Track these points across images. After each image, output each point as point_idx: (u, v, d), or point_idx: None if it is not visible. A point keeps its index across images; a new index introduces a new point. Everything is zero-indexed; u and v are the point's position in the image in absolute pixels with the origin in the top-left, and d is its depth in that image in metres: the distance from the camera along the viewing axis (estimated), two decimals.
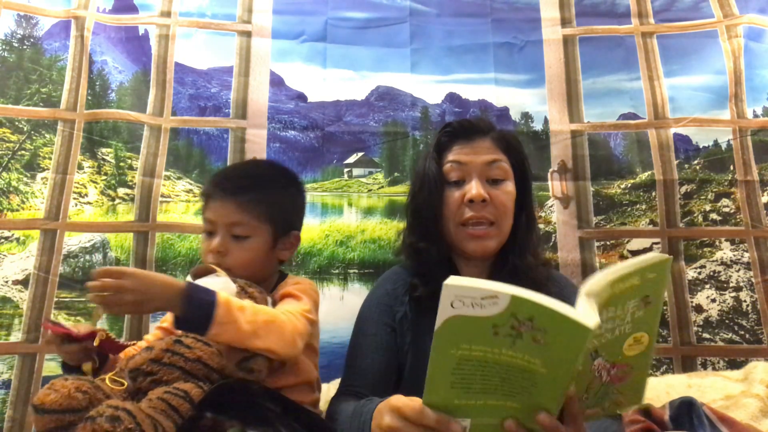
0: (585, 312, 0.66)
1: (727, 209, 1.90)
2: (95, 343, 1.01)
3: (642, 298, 0.73)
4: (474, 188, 1.14)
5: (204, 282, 0.99)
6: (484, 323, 0.65)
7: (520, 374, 0.68)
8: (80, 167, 1.86)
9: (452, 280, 0.65)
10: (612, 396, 0.78)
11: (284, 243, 1.19)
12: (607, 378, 0.75)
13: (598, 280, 0.69)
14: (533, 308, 0.64)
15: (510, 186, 1.19)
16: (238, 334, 0.92)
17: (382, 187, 2.01)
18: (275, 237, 1.17)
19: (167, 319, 1.21)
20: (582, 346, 0.65)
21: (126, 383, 0.94)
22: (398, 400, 0.76)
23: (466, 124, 1.24)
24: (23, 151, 1.84)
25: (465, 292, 0.64)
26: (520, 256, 1.18)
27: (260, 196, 1.15)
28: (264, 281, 1.16)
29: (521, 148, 1.25)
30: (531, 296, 0.64)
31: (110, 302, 0.88)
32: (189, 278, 1.02)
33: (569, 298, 0.70)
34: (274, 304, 1.10)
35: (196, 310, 0.91)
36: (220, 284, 1.00)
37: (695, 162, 1.95)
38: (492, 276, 1.20)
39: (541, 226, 1.90)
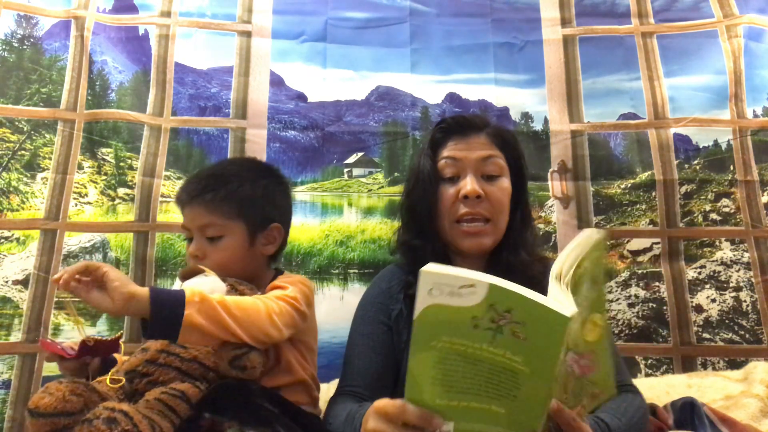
0: (560, 301, 0.66)
1: (727, 209, 1.90)
2: (81, 341, 1.00)
3: (592, 279, 0.73)
4: (468, 184, 1.14)
5: (193, 283, 0.98)
6: (464, 314, 0.64)
7: (502, 374, 0.67)
8: (80, 167, 1.86)
9: (429, 267, 0.64)
10: (587, 389, 0.77)
11: (265, 237, 1.17)
12: (578, 371, 0.75)
13: (562, 260, 0.69)
14: (510, 298, 0.64)
15: (505, 182, 1.18)
16: (213, 313, 0.90)
17: (382, 187, 2.01)
18: (252, 232, 1.15)
19: None
20: (561, 339, 0.64)
21: (124, 381, 0.94)
22: (381, 401, 0.75)
23: (461, 120, 1.23)
24: (23, 151, 1.84)
25: (442, 280, 0.64)
26: (515, 252, 1.17)
27: (226, 194, 1.13)
28: (253, 279, 1.14)
29: (517, 144, 1.24)
30: (508, 285, 0.64)
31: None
32: (177, 281, 1.01)
33: None
34: None
35: (166, 298, 0.88)
36: (209, 284, 1.00)
37: (695, 162, 1.95)
38: (487, 272, 1.19)
39: (541, 226, 1.90)
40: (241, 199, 1.14)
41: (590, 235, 0.74)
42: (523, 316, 0.64)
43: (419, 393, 0.70)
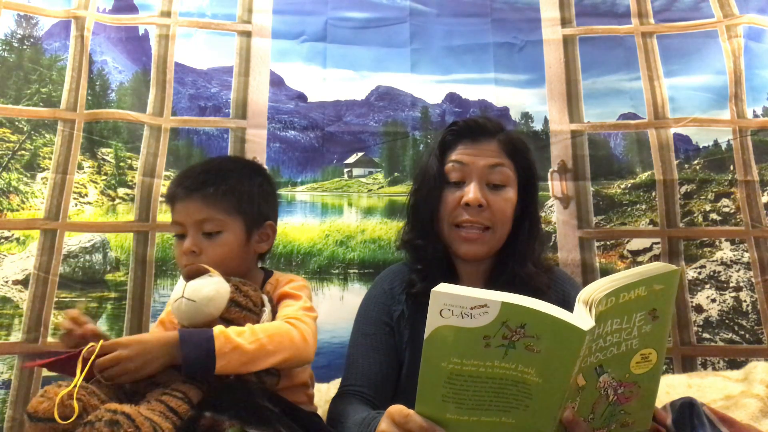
0: (579, 316, 0.65)
1: (727, 209, 1.90)
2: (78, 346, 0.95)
3: (649, 312, 0.71)
4: (471, 192, 1.12)
5: (197, 283, 0.97)
6: (475, 335, 0.64)
7: (514, 386, 0.66)
8: (80, 167, 1.86)
9: (441, 288, 0.64)
10: (619, 417, 0.76)
11: (260, 235, 1.17)
12: (614, 397, 0.73)
13: (597, 287, 0.67)
14: (525, 314, 0.63)
15: (511, 192, 1.16)
16: (246, 356, 0.91)
17: (382, 187, 2.01)
18: (249, 229, 1.14)
19: (167, 312, 1.20)
20: (577, 352, 0.64)
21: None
22: (393, 407, 0.77)
23: (473, 124, 1.21)
24: (23, 151, 1.84)
25: (454, 301, 0.63)
26: (521, 263, 1.16)
27: (226, 189, 1.12)
28: (244, 278, 1.12)
29: (529, 153, 1.22)
30: (522, 301, 0.64)
31: (113, 375, 0.87)
32: (181, 280, 1.00)
33: (572, 297, 0.69)
34: (272, 302, 1.09)
35: (196, 350, 0.89)
36: (213, 284, 0.98)
37: (695, 162, 1.95)
38: (489, 281, 1.19)
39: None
40: (241, 195, 1.13)
41: (658, 266, 0.71)
42: (538, 330, 0.63)
43: (429, 407, 0.70)
